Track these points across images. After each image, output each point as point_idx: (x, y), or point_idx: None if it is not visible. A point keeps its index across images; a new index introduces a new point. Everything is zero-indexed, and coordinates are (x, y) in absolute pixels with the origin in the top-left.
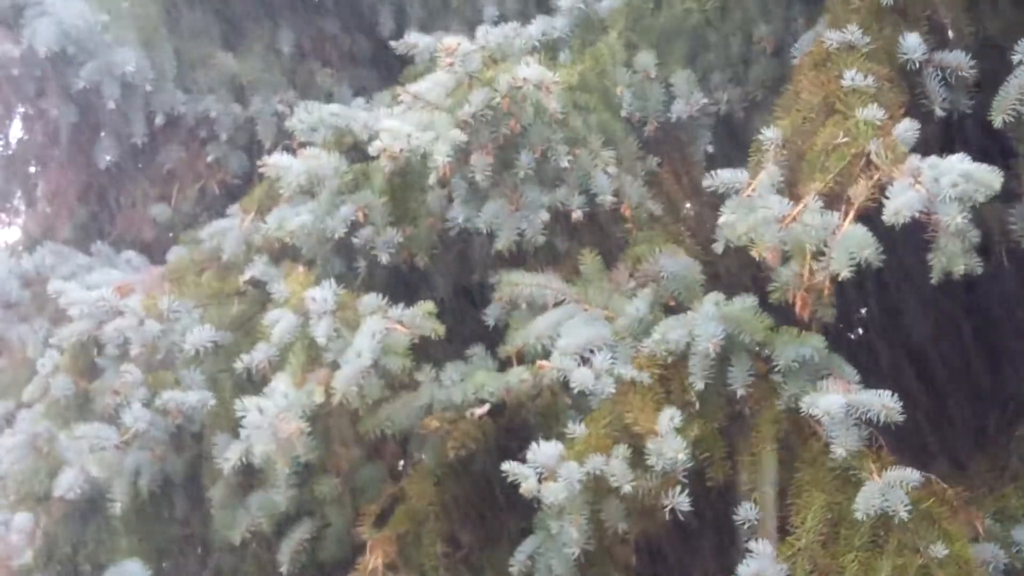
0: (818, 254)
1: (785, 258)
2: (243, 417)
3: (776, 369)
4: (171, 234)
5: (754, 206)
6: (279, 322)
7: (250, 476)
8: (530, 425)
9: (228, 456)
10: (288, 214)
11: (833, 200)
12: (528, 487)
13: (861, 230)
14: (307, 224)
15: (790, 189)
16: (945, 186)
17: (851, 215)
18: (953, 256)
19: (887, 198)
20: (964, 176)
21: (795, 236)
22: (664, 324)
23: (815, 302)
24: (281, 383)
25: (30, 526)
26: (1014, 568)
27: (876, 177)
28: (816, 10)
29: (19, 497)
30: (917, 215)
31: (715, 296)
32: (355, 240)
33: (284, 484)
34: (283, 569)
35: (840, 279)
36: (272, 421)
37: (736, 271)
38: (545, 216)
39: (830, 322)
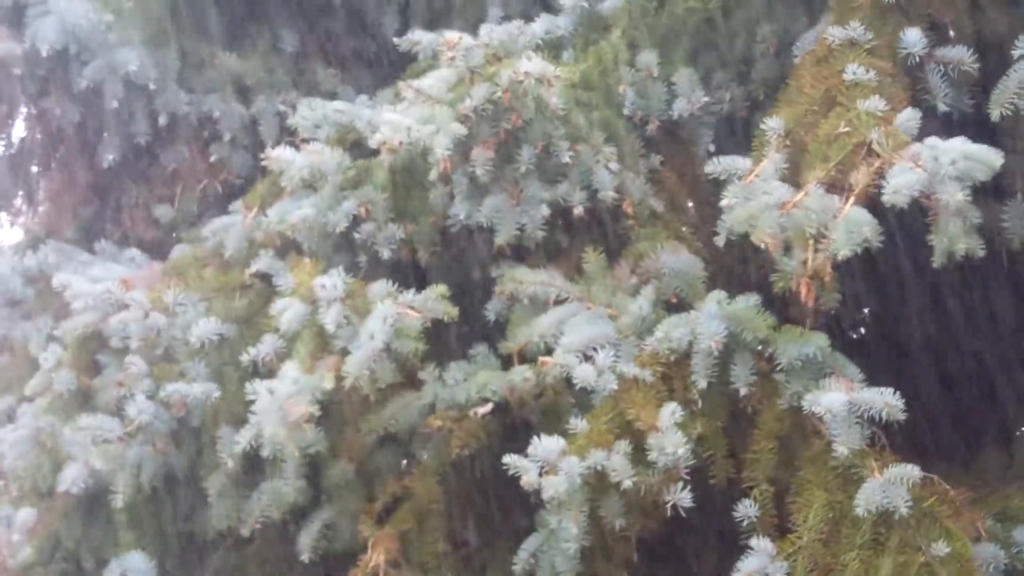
0: (819, 239)
1: (787, 245)
2: (251, 403)
3: (779, 367)
4: (174, 234)
5: (755, 192)
6: (287, 310)
7: (252, 467)
8: (533, 424)
9: (238, 440)
10: (290, 208)
11: (834, 188)
12: (529, 480)
13: (861, 211)
14: (309, 218)
15: (793, 178)
16: (944, 164)
17: (852, 199)
18: (954, 236)
19: (883, 181)
20: (964, 155)
21: (795, 221)
22: (667, 322)
23: (819, 289)
24: (291, 369)
25: (33, 521)
26: (1015, 569)
27: (877, 164)
28: (819, 9)
29: (22, 492)
30: (917, 195)
31: (718, 294)
32: (357, 235)
33: (295, 473)
34: (304, 557)
35: (841, 258)
36: (282, 404)
37: (738, 268)
38: (545, 211)
39: (834, 308)
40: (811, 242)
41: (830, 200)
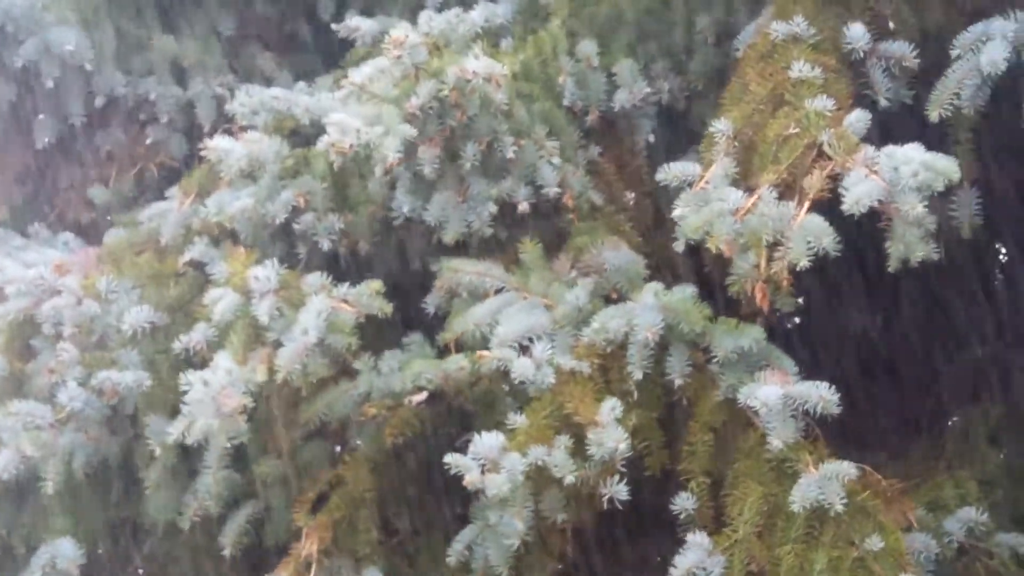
0: (775, 244)
1: (742, 249)
2: (184, 394)
3: (714, 360)
4: (109, 217)
5: (709, 198)
6: (220, 300)
7: (187, 459)
8: (468, 412)
9: (170, 431)
10: (228, 198)
11: (786, 191)
12: (472, 479)
13: (818, 219)
14: (248, 208)
15: (743, 181)
16: (905, 175)
17: (806, 205)
18: (911, 244)
19: (841, 188)
20: (924, 165)
21: (751, 227)
22: (603, 313)
23: (774, 293)
24: (224, 360)
25: None
26: (945, 558)
27: (829, 168)
28: (758, 1)
29: None
30: (876, 204)
31: (654, 286)
32: (296, 226)
33: (217, 464)
34: (226, 552)
35: (799, 268)
36: (215, 396)
37: (677, 261)
38: (493, 208)
39: (788, 311)
40: (765, 248)
41: (785, 207)
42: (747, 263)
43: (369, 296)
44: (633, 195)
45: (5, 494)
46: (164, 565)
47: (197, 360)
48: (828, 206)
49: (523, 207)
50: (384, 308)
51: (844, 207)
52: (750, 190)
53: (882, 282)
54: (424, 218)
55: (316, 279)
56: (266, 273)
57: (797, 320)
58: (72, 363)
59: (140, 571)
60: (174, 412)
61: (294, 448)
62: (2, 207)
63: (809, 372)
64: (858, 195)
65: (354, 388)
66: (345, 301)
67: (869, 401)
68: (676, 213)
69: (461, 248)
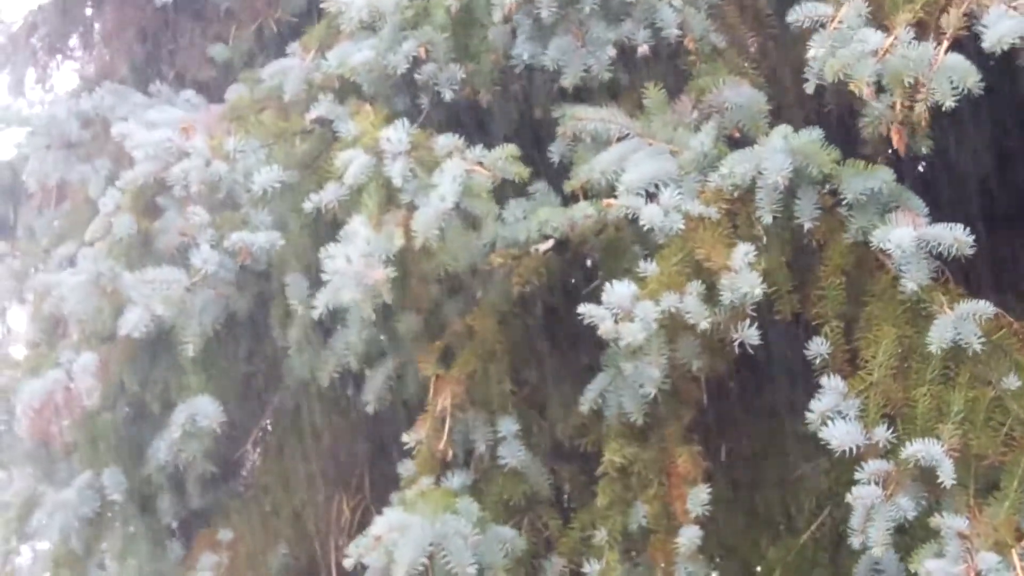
0: (916, 85)
1: (881, 91)
2: (319, 255)
3: (843, 202)
4: (228, 74)
5: (846, 39)
6: (352, 162)
7: (326, 317)
8: (594, 261)
9: (316, 304)
10: (350, 50)
11: (922, 31)
12: (606, 328)
13: (960, 59)
14: (369, 60)
15: (875, 20)
16: None
17: (945, 45)
18: None
19: (980, 27)
20: None
21: (892, 68)
22: (731, 158)
23: (911, 135)
24: (360, 226)
25: (95, 366)
26: None
27: (966, 5)
28: None
29: (83, 336)
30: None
31: (783, 129)
32: (417, 76)
33: (361, 326)
34: (369, 408)
35: (944, 109)
36: (357, 268)
37: (800, 104)
38: (612, 52)
39: (925, 153)
40: (907, 89)
41: (925, 47)
42: (883, 104)
43: (505, 160)
44: (756, 38)
45: (136, 352)
46: (296, 420)
47: (329, 219)
48: (963, 46)
49: (643, 50)
50: (521, 173)
51: (985, 45)
52: (884, 29)
53: (1005, 128)
54: (543, 63)
55: (448, 140)
56: (397, 134)
57: (925, 164)
58: (204, 225)
59: (272, 426)
60: (308, 270)
61: (433, 304)
62: (123, 67)
63: (936, 217)
64: (1000, 32)
65: (479, 237)
66: (480, 164)
67: (998, 249)
68: (811, 53)
69: (582, 95)
